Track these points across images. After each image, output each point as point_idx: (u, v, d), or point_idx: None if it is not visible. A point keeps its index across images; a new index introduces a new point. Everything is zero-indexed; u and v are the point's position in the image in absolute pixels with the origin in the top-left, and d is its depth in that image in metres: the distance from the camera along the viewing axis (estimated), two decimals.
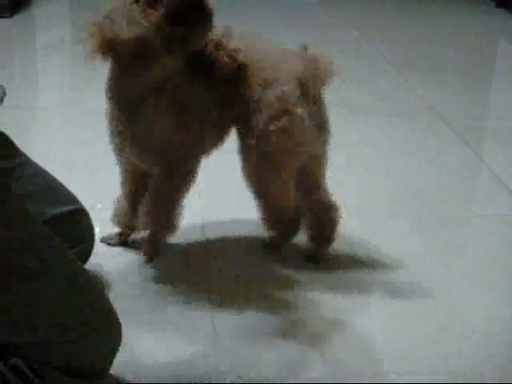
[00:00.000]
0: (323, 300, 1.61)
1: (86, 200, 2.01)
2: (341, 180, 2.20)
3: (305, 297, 1.62)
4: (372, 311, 1.60)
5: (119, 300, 1.49)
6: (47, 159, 2.24)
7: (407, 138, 2.57)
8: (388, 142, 2.52)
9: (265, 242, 1.77)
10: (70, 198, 1.52)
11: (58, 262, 1.17)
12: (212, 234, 1.84)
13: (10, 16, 3.65)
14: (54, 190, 1.51)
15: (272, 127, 1.49)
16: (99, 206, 1.98)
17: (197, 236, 1.82)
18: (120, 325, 1.23)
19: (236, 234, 1.85)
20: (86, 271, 1.25)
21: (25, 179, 1.45)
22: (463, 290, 1.73)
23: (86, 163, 2.19)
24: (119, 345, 1.23)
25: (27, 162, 1.50)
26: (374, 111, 2.80)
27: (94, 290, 1.23)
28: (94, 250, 1.60)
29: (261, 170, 1.56)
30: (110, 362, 1.24)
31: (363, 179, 2.22)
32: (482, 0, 4.64)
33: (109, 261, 1.69)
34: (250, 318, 1.53)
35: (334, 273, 1.72)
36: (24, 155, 1.52)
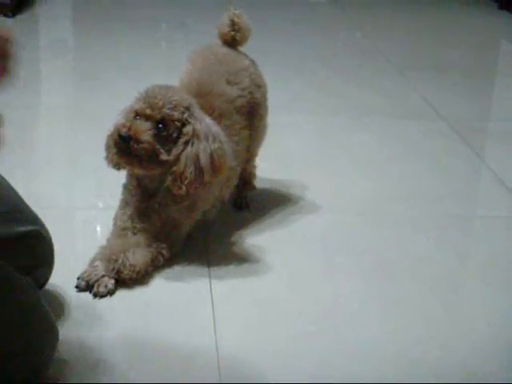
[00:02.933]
0: None
1: (87, 199, 2.03)
2: (343, 181, 2.21)
3: None
4: (378, 317, 1.60)
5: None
6: (49, 159, 2.26)
7: (409, 139, 2.57)
8: (390, 143, 2.52)
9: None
10: (29, 219, 1.43)
11: None
12: None
13: (13, 16, 3.65)
14: (11, 209, 1.41)
15: None
16: (101, 205, 1.99)
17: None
18: (57, 329, 1.25)
19: None
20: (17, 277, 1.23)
21: None
22: (465, 290, 1.72)
23: (88, 163, 2.19)
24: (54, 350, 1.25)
25: None
26: (376, 112, 2.80)
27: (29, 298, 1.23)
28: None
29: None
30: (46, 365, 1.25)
31: (365, 180, 2.22)
32: (484, 1, 4.64)
33: None
34: None
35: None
36: None
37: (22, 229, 1.38)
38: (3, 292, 1.17)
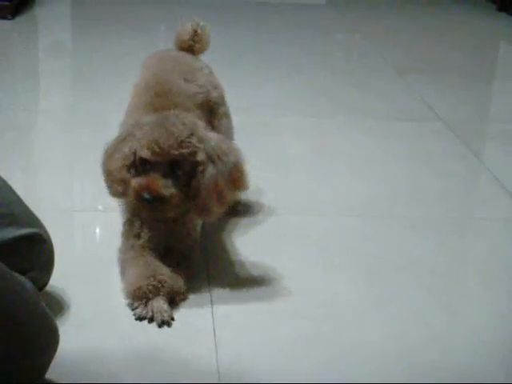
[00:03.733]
0: None
1: (86, 202, 2.03)
2: (343, 184, 2.21)
3: None
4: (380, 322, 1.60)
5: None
6: (48, 161, 2.26)
7: (409, 141, 2.57)
8: (389, 145, 2.52)
9: None
10: (29, 221, 1.42)
11: None
12: None
13: (13, 18, 3.65)
14: (12, 212, 1.40)
15: None
16: (100, 207, 1.99)
17: None
18: (57, 335, 1.25)
19: None
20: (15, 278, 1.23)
21: None
22: (465, 291, 1.72)
23: (87, 165, 2.18)
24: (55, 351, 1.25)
25: None
26: (375, 114, 2.80)
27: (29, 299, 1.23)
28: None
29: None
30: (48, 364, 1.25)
31: (365, 183, 2.22)
32: (483, 3, 4.64)
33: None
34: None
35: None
36: None
37: (23, 231, 1.38)
38: (2, 294, 1.17)
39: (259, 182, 2.08)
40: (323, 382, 1.37)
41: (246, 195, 1.98)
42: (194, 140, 1.50)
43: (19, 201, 1.44)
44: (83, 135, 2.40)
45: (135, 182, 1.50)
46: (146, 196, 1.47)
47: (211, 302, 1.57)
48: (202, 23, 1.88)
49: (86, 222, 1.94)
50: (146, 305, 1.50)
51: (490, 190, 2.27)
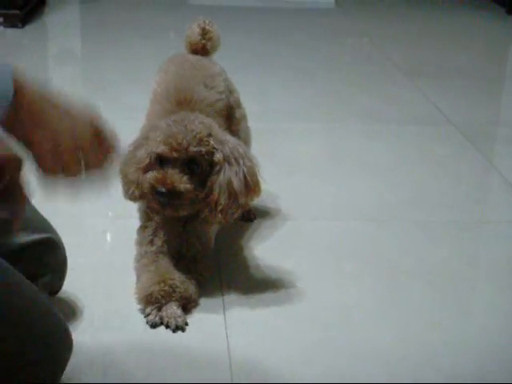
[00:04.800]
0: None
1: (97, 209, 2.03)
2: (353, 187, 2.21)
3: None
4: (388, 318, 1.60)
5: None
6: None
7: (419, 145, 2.57)
8: (399, 149, 2.52)
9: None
10: (42, 227, 1.44)
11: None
12: None
13: (23, 26, 3.68)
14: (27, 217, 1.41)
15: None
16: (110, 214, 1.99)
17: None
18: (71, 340, 1.25)
19: None
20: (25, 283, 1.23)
21: None
22: (477, 295, 1.72)
23: None
24: (69, 357, 1.24)
25: None
26: (385, 118, 2.80)
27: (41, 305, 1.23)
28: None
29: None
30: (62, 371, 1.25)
31: (376, 187, 2.21)
32: (492, 6, 4.64)
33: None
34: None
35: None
36: None
37: (36, 237, 1.39)
38: (16, 300, 1.18)
39: (270, 187, 2.07)
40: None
41: (258, 200, 1.98)
42: (212, 140, 1.50)
43: (31, 207, 1.45)
44: None
45: (150, 175, 1.48)
46: (161, 189, 1.45)
47: (223, 307, 1.58)
48: (207, 20, 1.87)
49: (96, 228, 1.94)
50: (159, 310, 1.50)
51: (501, 193, 2.26)
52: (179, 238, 1.61)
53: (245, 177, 1.51)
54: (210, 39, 1.87)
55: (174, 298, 1.51)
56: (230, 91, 1.83)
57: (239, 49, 3.46)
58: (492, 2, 4.71)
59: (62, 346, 1.25)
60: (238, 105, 1.87)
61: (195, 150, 1.47)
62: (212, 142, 1.50)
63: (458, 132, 2.67)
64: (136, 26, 3.95)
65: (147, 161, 1.52)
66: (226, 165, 1.50)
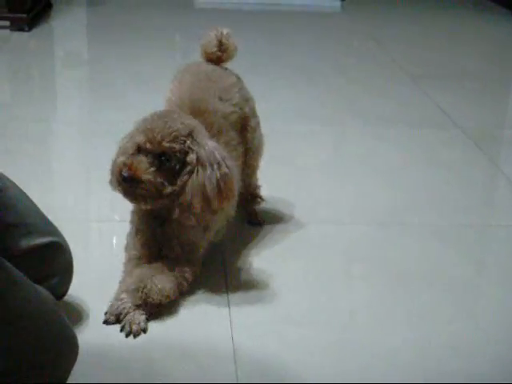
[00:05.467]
0: None
1: (103, 212, 2.03)
2: (361, 192, 2.20)
3: None
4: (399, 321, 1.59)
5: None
6: (64, 171, 2.27)
7: (425, 148, 2.56)
8: (406, 152, 2.51)
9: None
10: (49, 230, 1.45)
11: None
12: None
13: (29, 29, 3.69)
14: (33, 221, 1.43)
15: None
16: (116, 218, 1.99)
17: None
18: (77, 345, 1.25)
19: None
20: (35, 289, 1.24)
21: (3, 208, 1.39)
22: (486, 299, 1.71)
23: (103, 175, 2.19)
24: (73, 363, 1.25)
25: (9, 187, 1.44)
26: (391, 121, 2.79)
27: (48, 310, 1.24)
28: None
29: None
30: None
31: (383, 190, 2.21)
32: (498, 9, 4.63)
33: None
34: None
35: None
36: (6, 179, 1.46)
37: (43, 240, 1.40)
38: (22, 304, 1.18)
39: (277, 190, 2.08)
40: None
41: (266, 203, 1.98)
42: (189, 141, 1.53)
43: (38, 211, 1.46)
44: (100, 145, 2.41)
45: (120, 160, 1.53)
46: (124, 173, 1.49)
47: (229, 310, 1.57)
48: (225, 31, 1.86)
49: (102, 232, 1.95)
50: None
51: (508, 196, 2.25)
52: (158, 239, 1.62)
53: (218, 182, 1.53)
54: (225, 50, 1.86)
55: (140, 308, 1.51)
56: (246, 100, 1.84)
57: (245, 51, 3.44)
58: (498, 4, 4.70)
59: (68, 350, 1.25)
60: (254, 114, 1.87)
61: (167, 145, 1.50)
62: (188, 142, 1.53)
63: (465, 135, 2.66)
64: (142, 28, 3.95)
65: (131, 151, 1.54)
66: (200, 167, 1.52)
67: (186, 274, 1.60)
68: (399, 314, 1.61)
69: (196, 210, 1.53)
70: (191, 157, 1.52)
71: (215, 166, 1.53)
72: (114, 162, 1.57)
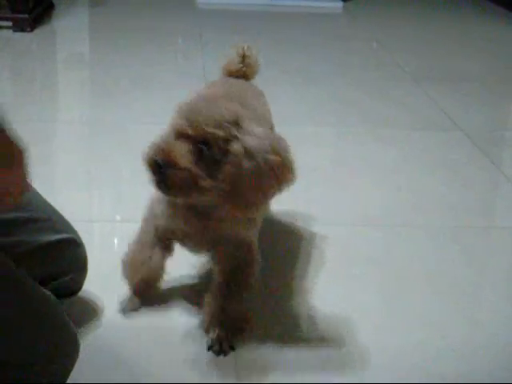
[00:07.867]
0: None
1: (105, 212, 2.04)
2: (363, 193, 2.21)
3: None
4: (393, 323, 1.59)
5: None
6: (67, 172, 2.28)
7: (427, 150, 2.56)
8: (407, 154, 2.52)
9: None
10: (64, 227, 1.45)
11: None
12: None
13: (31, 30, 3.69)
14: (48, 217, 1.44)
15: None
16: (118, 218, 2.00)
17: None
18: (78, 343, 1.25)
19: None
20: (40, 290, 1.25)
21: (19, 205, 1.35)
22: (485, 302, 1.71)
23: (106, 176, 2.20)
24: (74, 362, 1.25)
25: None
26: (393, 123, 2.79)
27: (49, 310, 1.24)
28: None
29: None
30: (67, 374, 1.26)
31: (384, 192, 2.21)
32: (501, 11, 4.63)
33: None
34: None
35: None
36: None
37: (61, 236, 1.42)
38: (22, 305, 1.18)
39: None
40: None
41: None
42: (234, 129, 1.33)
43: (52, 207, 1.49)
44: (102, 146, 2.41)
45: (153, 143, 1.33)
46: (158, 159, 1.29)
47: None
48: (246, 46, 1.81)
49: (104, 232, 1.95)
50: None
51: (509, 198, 2.25)
52: (201, 229, 1.45)
53: (272, 168, 1.34)
54: (249, 65, 1.82)
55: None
56: (266, 119, 1.74)
57: None
58: (499, 5, 4.70)
59: (69, 349, 1.25)
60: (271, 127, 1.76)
61: (209, 131, 1.30)
62: (233, 131, 1.32)
63: (466, 137, 2.66)
64: (144, 29, 3.95)
65: (169, 137, 1.35)
66: (247, 157, 1.31)
67: (250, 279, 1.50)
68: (397, 317, 1.62)
69: (252, 203, 1.36)
70: (235, 147, 1.31)
71: (266, 154, 1.32)
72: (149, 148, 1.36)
